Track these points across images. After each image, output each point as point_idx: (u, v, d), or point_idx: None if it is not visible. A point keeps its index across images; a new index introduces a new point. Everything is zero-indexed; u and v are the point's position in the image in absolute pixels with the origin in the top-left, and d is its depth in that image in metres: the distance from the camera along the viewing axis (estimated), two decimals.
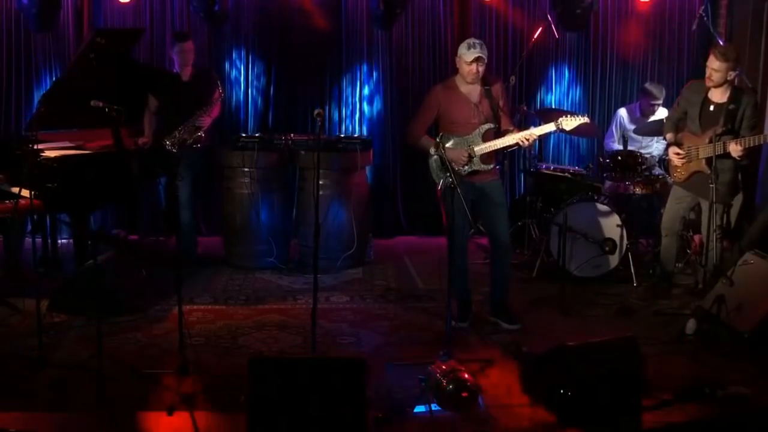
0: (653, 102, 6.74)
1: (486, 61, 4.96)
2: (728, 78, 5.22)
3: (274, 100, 7.61)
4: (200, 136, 6.06)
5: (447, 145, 4.98)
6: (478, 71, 4.95)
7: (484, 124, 5.04)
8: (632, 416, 3.74)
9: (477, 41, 4.98)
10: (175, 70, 6.33)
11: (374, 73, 7.64)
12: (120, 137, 5.54)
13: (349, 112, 7.70)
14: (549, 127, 5.01)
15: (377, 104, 7.69)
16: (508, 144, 5.07)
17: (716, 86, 5.24)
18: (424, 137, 5.09)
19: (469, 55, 4.92)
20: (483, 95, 5.06)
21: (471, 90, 5.06)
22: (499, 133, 5.08)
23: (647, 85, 6.87)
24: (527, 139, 4.96)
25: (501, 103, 5.12)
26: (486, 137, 5.04)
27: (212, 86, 6.26)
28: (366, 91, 7.68)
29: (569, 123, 4.98)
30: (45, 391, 4.05)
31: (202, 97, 6.18)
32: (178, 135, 6.00)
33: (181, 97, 6.21)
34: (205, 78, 6.37)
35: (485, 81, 5.07)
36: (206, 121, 6.15)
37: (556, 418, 3.73)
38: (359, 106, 7.70)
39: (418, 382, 4.07)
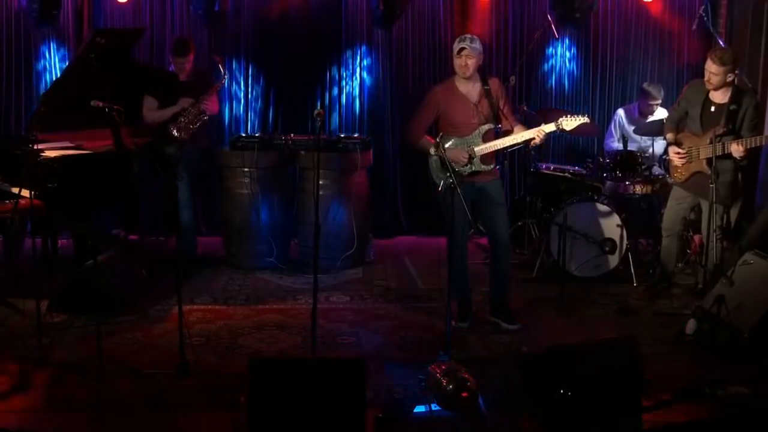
0: (652, 102, 6.75)
1: (475, 55, 4.94)
2: (727, 80, 5.22)
3: (274, 99, 7.61)
4: (205, 120, 6.11)
5: (447, 145, 4.97)
6: (467, 64, 4.95)
7: (484, 124, 5.03)
8: (632, 416, 3.75)
9: (467, 36, 4.99)
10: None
11: (374, 73, 7.64)
12: (120, 137, 5.54)
13: (348, 112, 7.70)
14: (549, 127, 5.01)
15: (377, 104, 7.68)
16: (508, 144, 5.08)
17: (715, 89, 5.25)
18: (423, 138, 5.08)
19: (456, 47, 4.96)
20: (483, 95, 5.05)
21: (470, 90, 5.06)
22: (499, 134, 5.08)
23: (645, 86, 6.86)
24: (538, 135, 4.97)
25: (501, 103, 5.11)
26: (486, 138, 5.04)
27: (210, 85, 6.30)
28: (366, 90, 7.68)
29: (569, 123, 5.00)
30: (45, 391, 4.05)
31: (200, 96, 6.20)
32: (183, 121, 6.06)
33: (180, 96, 6.22)
34: (204, 78, 6.38)
35: (485, 81, 5.07)
36: (208, 106, 6.19)
37: (556, 418, 3.73)
38: (359, 105, 7.70)
39: (418, 382, 4.07)
